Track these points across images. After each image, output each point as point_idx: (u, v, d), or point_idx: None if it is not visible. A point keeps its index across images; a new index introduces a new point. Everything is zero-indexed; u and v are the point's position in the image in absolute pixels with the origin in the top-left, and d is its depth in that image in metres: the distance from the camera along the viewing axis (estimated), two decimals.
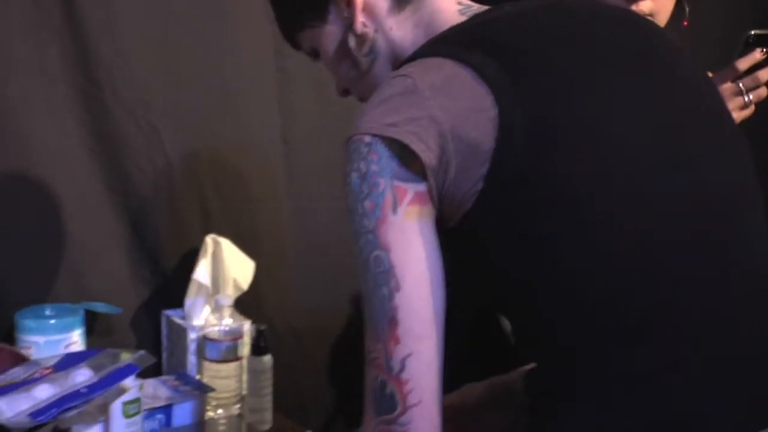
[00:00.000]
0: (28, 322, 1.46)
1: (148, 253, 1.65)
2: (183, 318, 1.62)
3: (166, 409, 1.42)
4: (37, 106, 1.48)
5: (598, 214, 0.81)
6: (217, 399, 1.48)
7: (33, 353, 1.43)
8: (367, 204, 0.83)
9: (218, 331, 1.51)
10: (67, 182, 1.54)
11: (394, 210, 0.82)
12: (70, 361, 1.30)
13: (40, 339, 1.44)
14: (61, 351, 1.45)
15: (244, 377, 1.51)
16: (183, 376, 1.54)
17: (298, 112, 1.73)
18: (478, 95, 0.82)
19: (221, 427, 1.46)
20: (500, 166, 0.81)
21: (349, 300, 1.81)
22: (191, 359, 1.57)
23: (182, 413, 1.43)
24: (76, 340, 1.48)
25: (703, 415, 0.81)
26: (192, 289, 1.62)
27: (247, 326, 1.56)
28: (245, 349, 1.54)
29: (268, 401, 1.49)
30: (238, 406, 1.50)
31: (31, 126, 1.48)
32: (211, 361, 1.50)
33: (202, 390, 1.47)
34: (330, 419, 1.68)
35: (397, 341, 0.82)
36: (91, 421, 1.31)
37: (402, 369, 0.82)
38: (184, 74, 1.60)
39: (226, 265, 1.61)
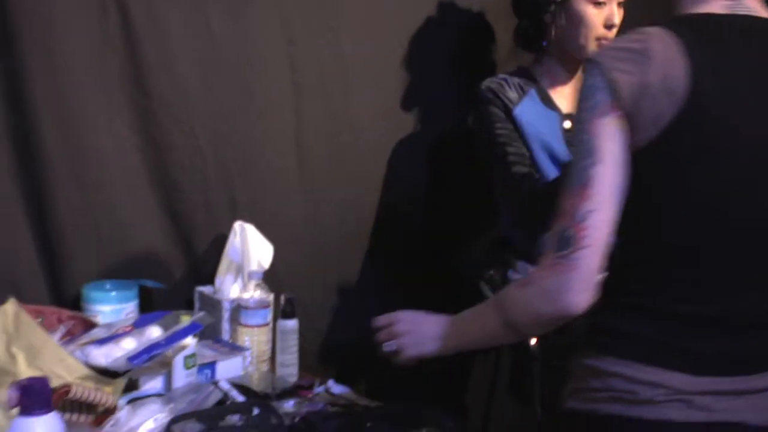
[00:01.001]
0: (95, 294, 1.74)
1: (183, 238, 1.94)
2: (214, 293, 1.93)
3: (212, 365, 1.71)
4: (97, 113, 1.76)
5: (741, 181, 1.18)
6: (250, 357, 1.79)
7: (99, 320, 1.72)
8: (588, 104, 1.19)
9: (251, 300, 1.81)
10: (120, 178, 1.82)
11: (604, 114, 1.17)
12: (144, 321, 1.60)
13: (105, 308, 1.73)
14: (122, 318, 1.74)
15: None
16: (220, 341, 1.84)
17: (308, 119, 2.04)
18: (679, 60, 1.15)
19: (255, 380, 1.77)
20: (686, 113, 1.14)
21: (349, 276, 2.13)
22: (225, 326, 1.87)
23: (224, 368, 1.73)
24: (132, 309, 1.77)
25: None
26: (222, 267, 1.92)
27: (271, 297, 1.86)
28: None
29: (294, 358, 1.79)
30: (267, 362, 1.81)
31: (92, 129, 1.76)
32: (246, 326, 1.80)
33: (238, 350, 1.77)
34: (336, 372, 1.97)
35: (586, 198, 1.16)
36: (155, 373, 1.61)
37: (583, 219, 1.16)
38: (217, 86, 1.90)
39: (251, 247, 1.92)
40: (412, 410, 1.50)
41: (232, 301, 1.87)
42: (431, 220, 2.25)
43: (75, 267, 1.79)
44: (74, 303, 1.77)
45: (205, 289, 1.94)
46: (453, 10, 2.24)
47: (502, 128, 1.99)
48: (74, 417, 1.38)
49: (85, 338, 1.53)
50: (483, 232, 2.20)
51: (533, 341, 1.82)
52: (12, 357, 1.42)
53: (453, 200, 2.26)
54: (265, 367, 1.82)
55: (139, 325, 1.58)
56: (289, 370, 1.80)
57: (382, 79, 2.15)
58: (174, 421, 1.33)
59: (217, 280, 1.93)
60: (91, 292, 1.75)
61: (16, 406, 1.03)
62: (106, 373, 1.47)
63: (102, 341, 1.50)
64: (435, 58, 2.24)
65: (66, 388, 1.39)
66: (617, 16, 1.97)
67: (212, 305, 1.90)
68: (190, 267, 1.96)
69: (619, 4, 1.99)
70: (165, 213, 1.90)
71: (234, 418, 1.44)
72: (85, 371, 1.44)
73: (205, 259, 1.96)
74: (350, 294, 2.12)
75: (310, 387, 1.71)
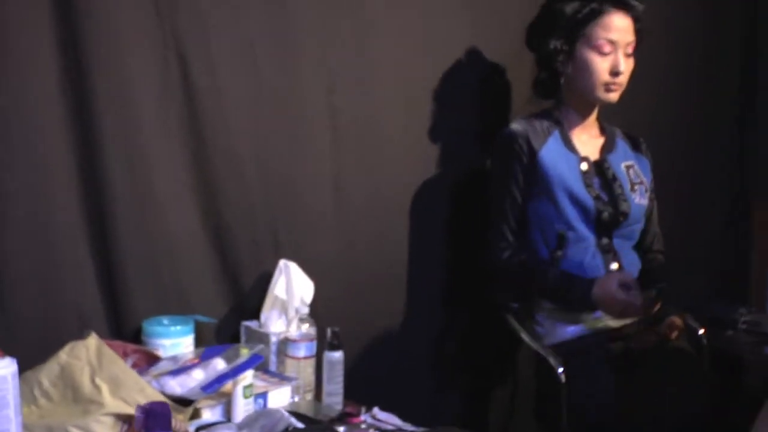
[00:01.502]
0: (155, 329, 1.86)
1: (230, 275, 2.06)
2: (259, 327, 2.05)
3: (263, 395, 1.83)
4: (159, 157, 1.89)
5: None
6: (298, 387, 1.91)
7: (161, 353, 1.83)
8: None
9: (297, 334, 1.94)
10: (176, 218, 1.95)
11: None
12: (209, 354, 1.72)
13: (166, 342, 1.85)
14: (180, 352, 1.86)
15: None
16: (268, 372, 1.96)
17: (345, 164, 2.18)
18: None
19: (304, 409, 1.89)
20: None
21: (382, 307, 2.26)
22: (272, 358, 1.99)
23: (274, 398, 1.85)
24: (189, 343, 1.90)
25: None
26: (268, 303, 2.05)
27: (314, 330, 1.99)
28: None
29: (340, 387, 1.92)
30: (312, 392, 1.93)
31: (154, 172, 1.89)
32: (293, 358, 1.93)
33: (287, 380, 1.90)
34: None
35: None
36: (216, 402, 1.73)
37: None
38: (264, 134, 2.04)
39: (295, 284, 2.05)
40: None
41: (279, 334, 1.99)
42: (455, 254, 2.39)
43: (134, 303, 1.91)
44: (134, 337, 1.89)
45: (251, 324, 2.06)
46: (477, 58, 2.41)
47: (509, 185, 2.15)
48: None
49: (156, 370, 1.65)
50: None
51: (560, 370, 1.97)
52: (97, 388, 1.54)
53: (474, 235, 2.42)
54: (310, 396, 1.94)
55: (204, 357, 1.70)
56: (335, 399, 1.92)
57: (411, 125, 2.30)
58: None
59: (263, 315, 2.05)
60: (151, 327, 1.87)
61: (141, 428, 1.15)
62: (179, 402, 1.59)
63: (175, 372, 1.62)
64: (458, 105, 2.39)
65: None
66: (623, 64, 2.14)
67: (259, 339, 2.02)
68: (236, 303, 2.09)
69: (627, 55, 2.17)
70: (215, 251, 2.03)
71: None
72: (161, 399, 1.56)
73: (250, 295, 2.09)
74: (385, 324, 2.25)
75: (358, 414, 1.84)
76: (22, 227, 1.75)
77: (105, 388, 1.54)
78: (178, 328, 1.88)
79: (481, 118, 2.46)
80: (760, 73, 3.11)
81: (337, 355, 1.92)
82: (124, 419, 1.54)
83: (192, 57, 1.90)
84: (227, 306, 2.08)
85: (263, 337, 2.00)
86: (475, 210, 2.37)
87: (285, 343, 1.95)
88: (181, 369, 1.63)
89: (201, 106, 1.93)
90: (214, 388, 1.58)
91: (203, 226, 2.00)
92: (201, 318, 1.96)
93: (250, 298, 2.09)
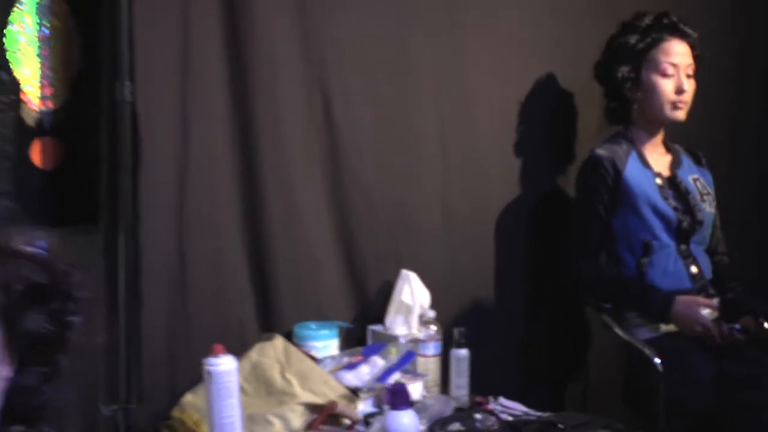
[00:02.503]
0: (307, 333, 2.12)
1: (357, 284, 2.33)
2: (384, 330, 2.31)
3: None
4: (304, 182, 2.17)
5: None
6: (428, 382, 2.17)
7: (314, 354, 2.09)
8: None
9: (425, 335, 2.21)
10: (315, 234, 2.22)
11: None
12: (368, 353, 1.98)
13: (318, 344, 2.11)
14: (329, 354, 2.11)
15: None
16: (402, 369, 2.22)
17: (451, 186, 2.46)
18: None
19: (430, 401, 2.15)
20: None
21: (485, 308, 2.54)
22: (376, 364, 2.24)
23: (410, 391, 2.11)
24: (335, 345, 2.15)
25: None
26: (392, 308, 2.31)
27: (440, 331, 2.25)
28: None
29: (466, 381, 2.18)
30: (439, 386, 2.19)
31: (300, 195, 2.16)
32: (423, 356, 2.19)
33: (420, 376, 2.16)
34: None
35: None
36: (367, 396, 1.99)
37: None
38: (388, 162, 2.32)
39: (415, 291, 2.31)
40: (585, 417, 1.91)
41: (406, 336, 2.25)
42: (537, 261, 2.68)
43: (283, 311, 2.16)
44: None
45: (377, 328, 2.32)
46: (553, 91, 2.70)
47: (597, 202, 2.42)
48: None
49: (330, 366, 1.91)
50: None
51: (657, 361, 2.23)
52: (287, 381, 1.80)
53: (553, 247, 2.69)
54: (436, 390, 2.20)
55: (366, 354, 1.96)
56: (462, 391, 2.18)
57: (502, 151, 2.59)
58: (440, 423, 1.71)
59: (387, 320, 2.31)
60: (302, 331, 2.12)
61: (388, 404, 1.41)
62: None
63: (349, 367, 1.88)
64: (537, 133, 2.68)
65: (334, 403, 1.77)
66: (686, 84, 2.43)
67: (386, 340, 2.28)
68: (361, 309, 2.35)
69: (688, 75, 2.46)
70: (345, 264, 2.29)
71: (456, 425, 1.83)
72: (343, 390, 1.82)
73: (374, 302, 2.35)
74: (491, 322, 2.52)
75: (487, 402, 2.11)
76: (199, 251, 2.00)
77: (295, 382, 1.80)
78: (326, 332, 2.14)
79: (553, 143, 2.75)
80: None
81: (464, 352, 2.19)
82: (312, 408, 1.80)
83: (333, 96, 2.18)
84: (353, 312, 2.35)
85: (390, 339, 2.26)
86: (550, 225, 2.65)
87: (414, 343, 2.22)
88: (351, 365, 1.90)
89: (338, 138, 2.21)
90: (387, 379, 1.84)
91: (336, 242, 2.27)
92: (342, 323, 2.22)
93: (374, 305, 2.35)
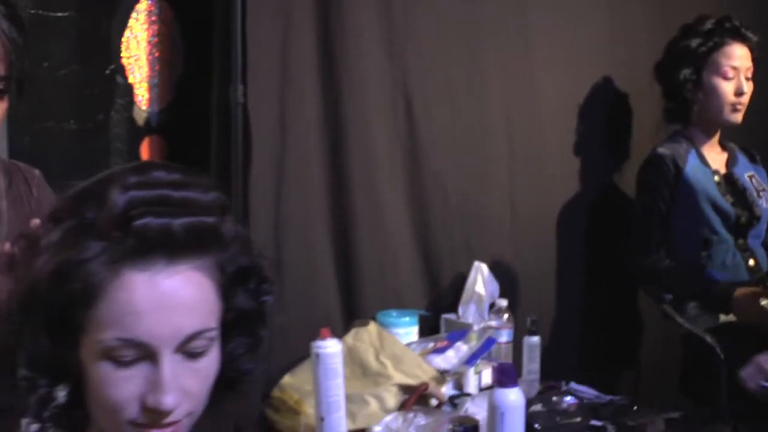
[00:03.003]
0: (390, 320, 2.26)
1: (431, 275, 2.46)
2: (457, 319, 2.44)
3: (479, 373, 2.23)
4: (387, 179, 2.30)
5: None
6: None
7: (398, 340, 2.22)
8: None
9: (497, 322, 2.34)
10: (396, 229, 2.35)
11: None
12: (452, 338, 2.12)
13: (400, 330, 2.24)
14: (410, 340, 2.25)
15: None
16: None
17: (518, 183, 2.59)
18: None
19: None
20: None
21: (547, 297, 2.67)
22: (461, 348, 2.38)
23: (485, 376, 2.25)
24: (416, 331, 2.29)
25: None
26: (465, 298, 2.45)
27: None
28: None
29: (538, 366, 2.31)
30: None
31: (383, 191, 2.30)
32: (498, 343, 2.32)
33: (495, 362, 2.29)
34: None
35: None
36: (449, 378, 2.12)
37: None
38: (462, 160, 2.45)
39: (487, 282, 2.44)
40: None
41: (480, 324, 2.39)
42: (595, 252, 2.81)
43: (365, 301, 2.30)
44: None
45: (450, 316, 2.46)
46: (611, 91, 2.82)
47: (660, 199, 2.54)
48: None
49: (418, 351, 2.05)
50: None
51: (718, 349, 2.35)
52: (382, 364, 1.94)
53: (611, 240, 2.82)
54: None
55: (451, 340, 2.10)
56: (534, 376, 2.31)
57: (563, 148, 2.72)
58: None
59: (461, 309, 2.45)
60: (385, 319, 2.26)
61: (496, 381, 1.54)
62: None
63: (438, 351, 2.02)
64: (596, 130, 2.81)
65: (425, 385, 1.91)
66: (746, 86, 2.55)
67: (459, 329, 2.41)
68: (435, 298, 2.49)
69: (747, 78, 2.57)
70: (421, 255, 2.43)
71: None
72: (434, 372, 1.96)
73: (446, 292, 2.49)
74: (552, 312, 2.65)
75: (560, 387, 2.24)
76: (293, 247, 2.14)
77: (389, 364, 1.94)
78: (407, 319, 2.27)
79: (610, 142, 2.87)
80: None
81: (535, 339, 2.32)
82: (405, 389, 1.94)
83: (413, 97, 2.31)
84: (427, 301, 2.48)
85: (463, 328, 2.40)
86: (607, 220, 2.78)
87: (484, 331, 2.35)
88: (439, 349, 2.03)
89: (417, 138, 2.35)
90: (474, 362, 1.98)
91: (415, 236, 2.41)
92: (420, 311, 2.36)
93: (447, 295, 2.49)
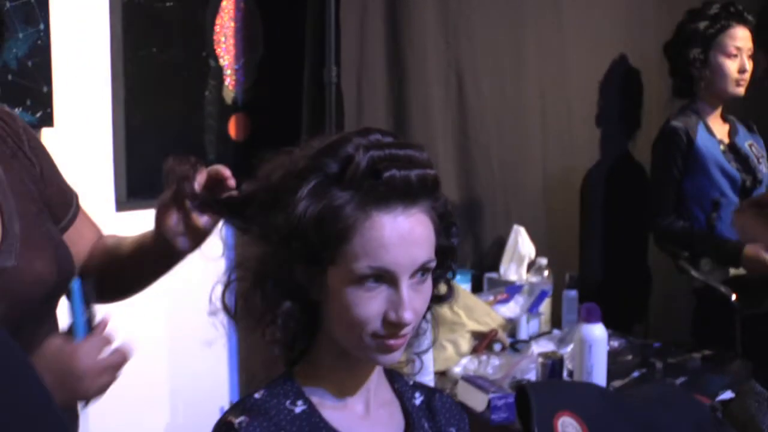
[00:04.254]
0: None
1: (474, 237, 2.72)
2: (499, 277, 2.71)
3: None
4: (439, 148, 2.54)
5: None
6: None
7: None
8: None
9: (539, 279, 2.61)
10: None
11: None
12: (510, 291, 2.39)
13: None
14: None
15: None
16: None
17: (549, 154, 2.87)
18: None
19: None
20: None
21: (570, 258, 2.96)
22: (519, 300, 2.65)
23: (532, 326, 2.52)
24: (468, 288, 2.55)
25: None
26: (506, 257, 2.71)
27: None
28: None
29: (575, 317, 2.59)
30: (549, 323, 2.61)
31: (435, 160, 2.52)
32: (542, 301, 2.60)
33: (537, 314, 2.57)
34: None
35: None
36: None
37: None
38: (504, 132, 2.71)
39: (525, 244, 2.71)
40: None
41: (521, 281, 2.66)
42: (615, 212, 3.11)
43: None
44: None
45: (492, 275, 2.72)
46: (625, 67, 3.10)
47: (674, 166, 2.84)
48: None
49: (484, 301, 2.32)
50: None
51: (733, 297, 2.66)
52: (456, 314, 2.19)
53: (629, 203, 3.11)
54: (547, 326, 2.61)
55: (509, 292, 2.36)
56: (573, 325, 2.59)
57: (586, 120, 2.99)
58: None
59: (502, 268, 2.71)
60: None
61: (583, 319, 1.80)
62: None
63: (502, 302, 2.28)
64: (613, 104, 3.09)
65: (495, 331, 2.17)
66: (747, 64, 2.85)
67: (501, 286, 2.68)
68: (477, 259, 2.75)
69: (749, 57, 2.87)
70: (466, 218, 2.68)
71: None
72: (502, 320, 2.22)
73: (488, 253, 2.75)
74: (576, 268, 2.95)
75: None
76: None
77: (462, 314, 2.20)
78: (460, 276, 2.53)
79: (625, 112, 3.16)
80: None
81: (573, 293, 2.60)
82: (476, 335, 2.20)
83: (465, 75, 2.56)
84: (471, 260, 2.74)
85: (505, 285, 2.67)
86: (624, 186, 3.07)
87: (537, 285, 2.62)
88: (501, 301, 2.30)
89: (468, 111, 2.59)
90: (535, 310, 2.25)
91: (461, 201, 2.66)
92: (467, 270, 2.62)
93: (488, 255, 2.75)
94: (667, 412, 1.41)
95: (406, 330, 1.07)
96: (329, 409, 1.11)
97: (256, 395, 1.11)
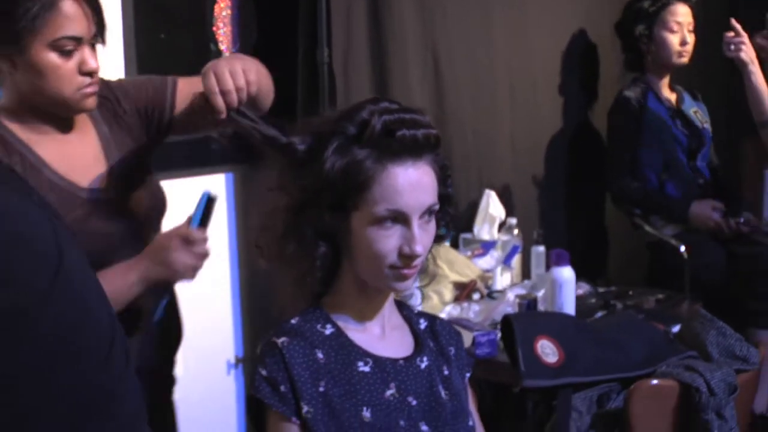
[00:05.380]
0: None
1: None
2: (472, 237, 2.98)
3: None
4: None
5: None
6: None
7: None
8: None
9: (510, 237, 2.89)
10: None
11: None
12: (486, 247, 2.66)
13: None
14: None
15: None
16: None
17: (517, 123, 3.14)
18: None
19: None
20: None
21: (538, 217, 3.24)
22: (494, 254, 2.94)
23: (505, 280, 2.81)
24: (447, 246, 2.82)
25: None
26: (479, 219, 2.99)
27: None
28: None
29: (543, 271, 2.88)
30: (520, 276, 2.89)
31: None
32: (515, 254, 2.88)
33: (510, 269, 2.85)
34: None
35: None
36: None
37: None
38: (478, 106, 2.98)
39: (495, 206, 2.99)
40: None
41: (494, 239, 2.93)
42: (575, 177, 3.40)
43: None
44: None
45: (467, 235, 3.00)
46: (584, 43, 3.39)
47: (627, 132, 3.13)
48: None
49: (463, 256, 2.59)
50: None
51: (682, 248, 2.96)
52: (439, 267, 2.45)
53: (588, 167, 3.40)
54: (520, 278, 2.90)
55: (484, 248, 2.64)
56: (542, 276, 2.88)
57: (548, 92, 3.28)
58: None
59: (475, 228, 2.99)
60: None
61: (554, 263, 2.08)
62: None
63: (478, 256, 2.56)
64: (573, 77, 3.38)
65: (474, 281, 2.45)
66: (688, 37, 3.15)
67: (476, 244, 2.95)
68: (456, 220, 3.02)
69: (689, 31, 3.17)
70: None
71: None
72: (480, 272, 2.50)
73: (462, 216, 3.02)
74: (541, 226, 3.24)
75: None
76: None
77: (445, 267, 2.47)
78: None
79: (584, 86, 3.45)
80: None
81: (541, 248, 2.88)
82: (458, 285, 2.47)
83: (440, 56, 2.82)
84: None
85: (480, 243, 2.94)
86: (584, 150, 3.37)
87: (508, 242, 2.90)
88: (479, 254, 2.57)
89: (443, 88, 2.86)
90: (509, 262, 2.53)
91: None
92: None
93: (462, 218, 3.03)
94: (627, 332, 1.69)
95: (417, 261, 1.33)
96: (352, 331, 1.37)
97: (293, 321, 1.36)
